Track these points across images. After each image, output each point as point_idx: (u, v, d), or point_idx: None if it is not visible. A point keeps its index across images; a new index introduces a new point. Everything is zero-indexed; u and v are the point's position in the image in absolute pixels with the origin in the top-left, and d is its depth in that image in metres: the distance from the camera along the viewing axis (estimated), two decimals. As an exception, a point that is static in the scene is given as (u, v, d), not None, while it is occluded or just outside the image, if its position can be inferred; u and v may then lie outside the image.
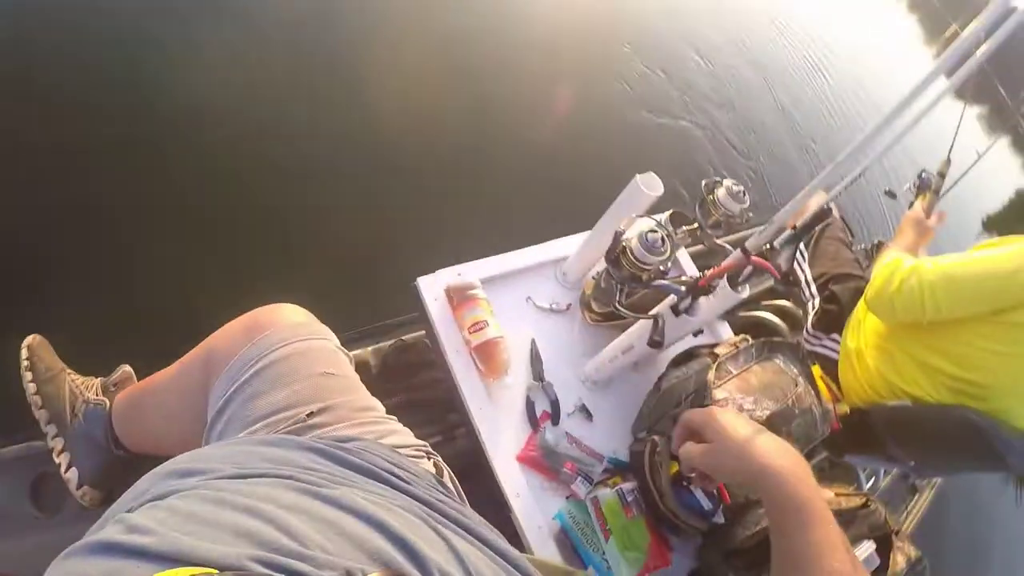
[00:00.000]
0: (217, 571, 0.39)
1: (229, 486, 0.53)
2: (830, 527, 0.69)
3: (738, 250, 1.01)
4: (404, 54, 2.80)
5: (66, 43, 2.02)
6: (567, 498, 1.23)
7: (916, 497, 2.57)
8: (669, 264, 1.05)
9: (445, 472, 0.90)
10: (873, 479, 2.20)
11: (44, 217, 1.69)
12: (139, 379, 1.27)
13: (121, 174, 1.87)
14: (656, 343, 1.07)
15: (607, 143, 3.39)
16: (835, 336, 1.74)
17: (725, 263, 1.03)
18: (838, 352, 1.71)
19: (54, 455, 1.14)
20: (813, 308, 1.82)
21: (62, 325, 1.35)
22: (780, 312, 2.07)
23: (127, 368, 1.28)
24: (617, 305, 1.13)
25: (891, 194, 1.99)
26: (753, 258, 0.99)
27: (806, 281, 1.87)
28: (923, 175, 1.81)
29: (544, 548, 1.15)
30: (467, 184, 2.58)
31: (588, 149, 3.23)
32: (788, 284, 1.93)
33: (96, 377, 1.24)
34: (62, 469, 1.12)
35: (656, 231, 1.01)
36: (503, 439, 1.23)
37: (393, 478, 0.67)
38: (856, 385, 1.61)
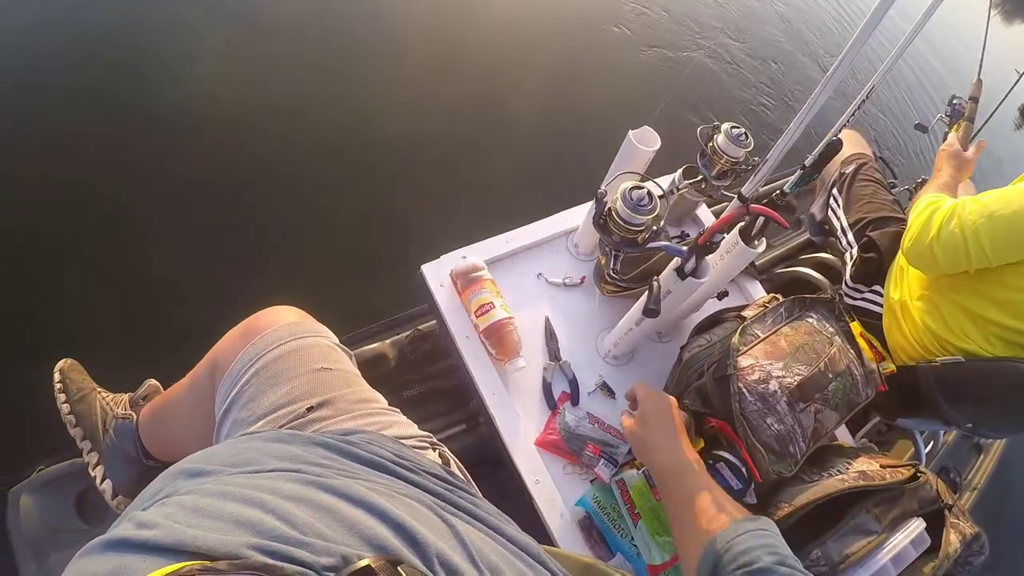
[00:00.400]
0: (209, 562, 0.40)
1: (235, 480, 0.54)
2: (682, 498, 0.91)
3: (735, 199, 0.93)
4: (394, 42, 2.76)
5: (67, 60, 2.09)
6: (592, 482, 1.19)
7: (981, 457, 2.33)
8: (662, 222, 0.97)
9: (452, 462, 0.89)
10: (932, 443, 1.99)
11: (60, 252, 1.78)
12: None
13: (125, 193, 1.94)
14: (651, 311, 1.00)
15: (614, 96, 3.20)
16: (877, 288, 1.58)
17: (723, 215, 0.96)
18: (882, 305, 1.56)
19: (90, 469, 1.18)
20: (851, 258, 1.66)
21: (92, 347, 1.41)
22: (820, 266, 1.91)
23: (153, 382, 1.32)
24: (611, 273, 1.07)
25: (921, 127, 1.79)
26: (753, 206, 0.91)
27: (842, 229, 1.70)
28: (954, 102, 1.64)
29: (568, 535, 1.11)
30: (475, 165, 2.52)
31: (592, 107, 3.06)
32: (824, 234, 1.79)
33: (125, 393, 1.29)
34: (97, 481, 1.17)
35: (641, 187, 0.94)
36: (520, 424, 1.20)
37: (399, 469, 0.67)
38: (902, 341, 1.46)
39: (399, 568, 0.43)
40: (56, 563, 1.22)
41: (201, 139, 2.10)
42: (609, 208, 0.97)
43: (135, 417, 1.20)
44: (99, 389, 1.27)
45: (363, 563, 0.42)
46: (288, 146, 2.24)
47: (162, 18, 2.34)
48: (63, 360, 1.29)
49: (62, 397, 1.24)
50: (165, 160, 2.02)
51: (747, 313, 1.22)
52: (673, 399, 1.09)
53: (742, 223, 1.06)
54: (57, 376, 1.26)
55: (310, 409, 0.81)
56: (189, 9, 2.39)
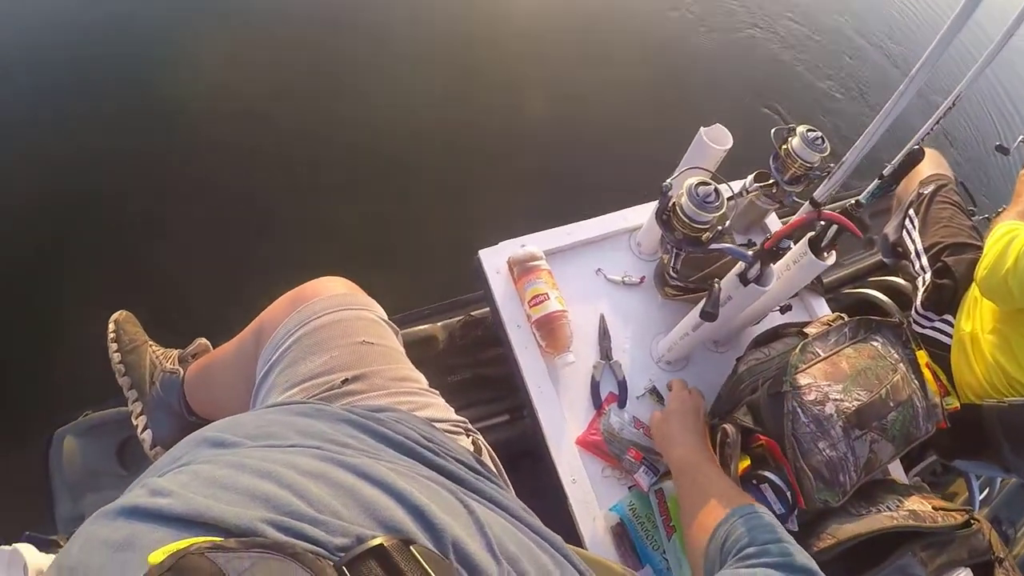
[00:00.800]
0: (219, 539, 0.39)
1: (253, 453, 0.54)
2: (693, 492, 0.93)
3: (807, 203, 0.88)
4: (458, 33, 2.79)
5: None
6: (629, 488, 1.15)
7: None
8: (727, 223, 0.93)
9: (484, 450, 0.87)
10: (987, 489, 1.86)
11: (134, 217, 1.85)
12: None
13: (192, 162, 2.01)
14: (709, 315, 0.95)
15: (681, 85, 3.13)
16: (948, 317, 1.49)
17: (793, 219, 0.91)
18: (952, 336, 1.46)
19: (133, 418, 1.21)
20: (923, 284, 1.56)
21: (149, 302, 1.44)
22: (889, 290, 1.82)
23: (203, 340, 1.34)
24: (671, 272, 1.03)
25: (1003, 149, 1.68)
26: (825, 212, 0.86)
27: (916, 252, 1.60)
28: None
29: (598, 540, 1.09)
30: (543, 158, 2.51)
31: (662, 96, 3.00)
32: (896, 256, 1.69)
33: (176, 349, 1.31)
34: (139, 431, 1.20)
35: (708, 184, 0.89)
36: (563, 420, 1.17)
37: (425, 452, 0.65)
38: (970, 376, 1.37)
39: (412, 548, 0.42)
40: (91, 504, 1.25)
41: (269, 128, 2.17)
42: (674, 203, 0.93)
43: (182, 373, 1.22)
44: (151, 342, 1.29)
45: (376, 542, 0.41)
46: (385, 129, 2.29)
47: (185, 32, 2.40)
48: (119, 312, 1.32)
49: (114, 347, 1.26)
50: (222, 134, 2.08)
51: (810, 330, 1.16)
52: (700, 400, 1.15)
53: (812, 233, 1.01)
54: (112, 326, 1.29)
55: (345, 381, 0.80)
56: (206, 21, 2.46)
